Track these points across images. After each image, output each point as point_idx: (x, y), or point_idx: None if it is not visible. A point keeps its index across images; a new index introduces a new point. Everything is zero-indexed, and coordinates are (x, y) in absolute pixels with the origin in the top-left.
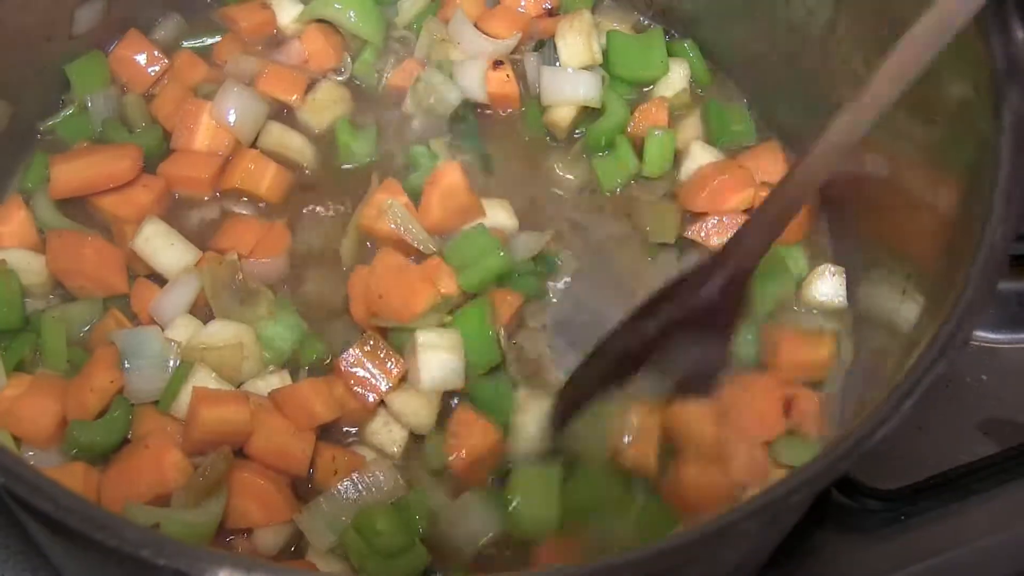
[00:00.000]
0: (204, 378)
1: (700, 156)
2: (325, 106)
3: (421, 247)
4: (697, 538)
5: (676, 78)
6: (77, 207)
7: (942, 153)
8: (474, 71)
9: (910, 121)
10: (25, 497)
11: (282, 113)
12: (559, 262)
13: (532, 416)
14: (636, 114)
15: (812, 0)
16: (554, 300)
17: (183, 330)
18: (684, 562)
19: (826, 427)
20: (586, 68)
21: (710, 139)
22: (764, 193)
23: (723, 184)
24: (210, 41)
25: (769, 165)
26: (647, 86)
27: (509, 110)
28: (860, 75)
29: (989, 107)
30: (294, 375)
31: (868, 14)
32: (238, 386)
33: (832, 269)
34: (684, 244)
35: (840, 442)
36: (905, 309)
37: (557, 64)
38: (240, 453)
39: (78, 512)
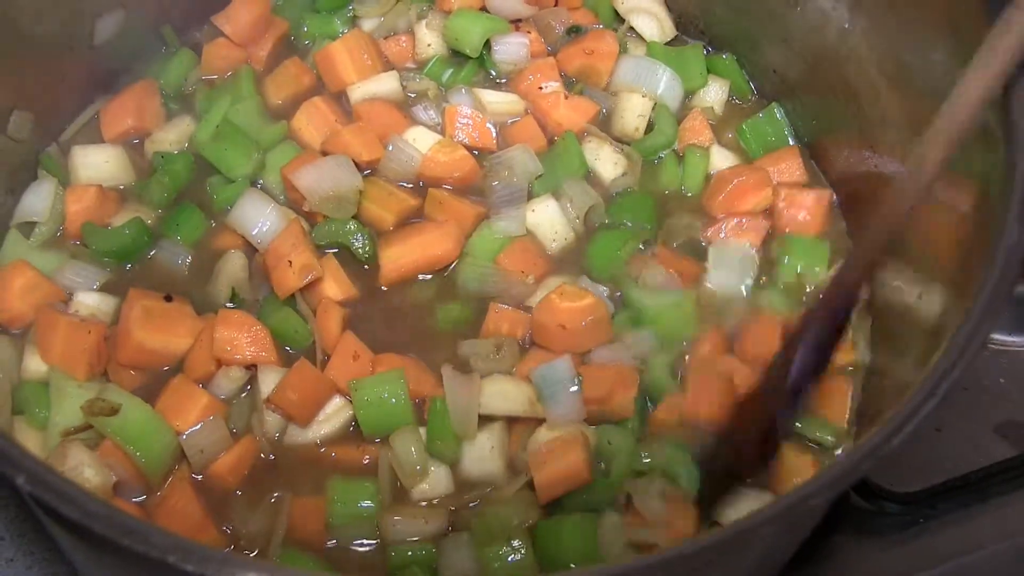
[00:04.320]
0: None
1: (718, 160)
2: None
3: None
4: (718, 542)
5: (715, 91)
6: None
7: (959, 155)
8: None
9: (920, 122)
10: (53, 504)
11: None
12: None
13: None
14: (680, 130)
15: (827, 4)
16: None
17: None
18: (704, 565)
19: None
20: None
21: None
22: (786, 192)
23: (741, 186)
24: None
25: (788, 167)
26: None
27: None
28: (875, 81)
29: (1004, 109)
30: None
31: (880, 18)
32: None
33: None
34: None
35: (859, 446)
36: (922, 311)
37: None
38: None
39: (104, 518)
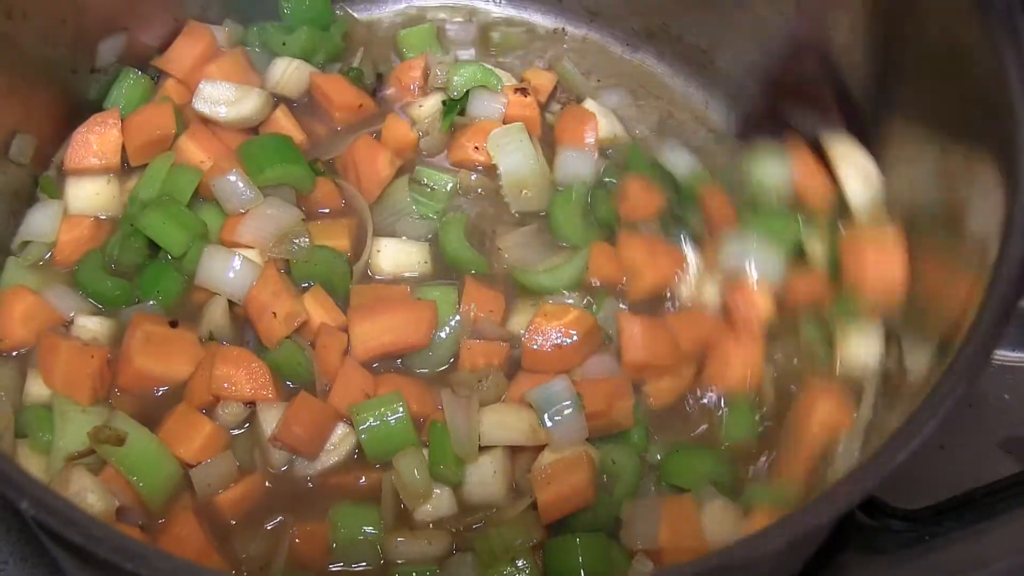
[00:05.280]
0: None
1: None
2: None
3: None
4: (725, 562)
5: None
6: None
7: (961, 172)
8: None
9: (930, 141)
10: (56, 528)
11: None
12: None
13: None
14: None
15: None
16: None
17: None
18: None
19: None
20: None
21: None
22: None
23: None
24: None
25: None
26: None
27: None
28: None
29: (1007, 124)
30: None
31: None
32: None
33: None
34: None
35: (864, 465)
36: (927, 328)
37: None
38: None
39: (108, 542)
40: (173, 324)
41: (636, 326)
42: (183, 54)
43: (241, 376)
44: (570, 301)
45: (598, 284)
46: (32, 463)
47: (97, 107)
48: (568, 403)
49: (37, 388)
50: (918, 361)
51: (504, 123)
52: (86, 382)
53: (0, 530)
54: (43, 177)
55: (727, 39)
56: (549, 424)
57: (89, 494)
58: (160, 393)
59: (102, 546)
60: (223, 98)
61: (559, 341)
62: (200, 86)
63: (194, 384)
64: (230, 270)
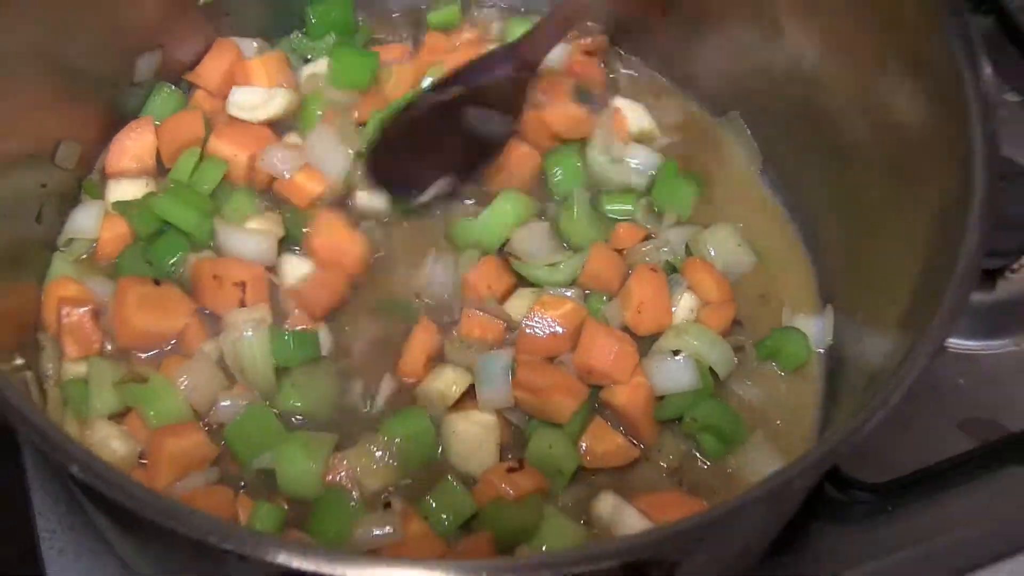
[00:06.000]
0: None
1: None
2: None
3: None
4: (707, 520)
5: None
6: None
7: (918, 176)
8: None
9: (888, 144)
10: (100, 489)
11: None
12: None
13: None
14: None
15: (802, 41)
16: None
17: None
18: (694, 543)
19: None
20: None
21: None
22: None
23: None
24: None
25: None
26: None
27: None
28: (849, 113)
29: (962, 135)
30: None
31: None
32: None
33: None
34: None
35: (835, 432)
36: (890, 317)
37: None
38: None
39: (149, 503)
40: (156, 282)
41: (600, 334)
42: (212, 69)
43: (235, 267)
44: (568, 294)
45: (588, 292)
46: (73, 432)
47: (135, 117)
48: (503, 370)
49: (75, 364)
50: (880, 348)
51: (567, 77)
52: (76, 332)
53: (49, 502)
54: (86, 180)
55: (708, 59)
56: (482, 384)
57: (113, 440)
58: (168, 349)
59: (147, 508)
60: (252, 102)
61: (553, 330)
62: (232, 93)
63: (187, 333)
64: (245, 240)
